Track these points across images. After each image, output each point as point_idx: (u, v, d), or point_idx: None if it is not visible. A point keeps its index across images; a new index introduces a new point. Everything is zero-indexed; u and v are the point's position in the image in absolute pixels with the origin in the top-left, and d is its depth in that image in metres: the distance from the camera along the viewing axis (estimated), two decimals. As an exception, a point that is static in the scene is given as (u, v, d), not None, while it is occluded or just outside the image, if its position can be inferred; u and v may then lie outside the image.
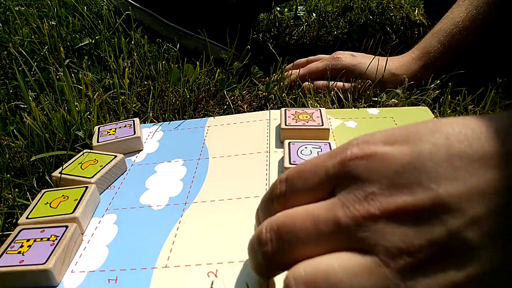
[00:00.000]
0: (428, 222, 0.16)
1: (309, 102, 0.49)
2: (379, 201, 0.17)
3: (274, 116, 0.46)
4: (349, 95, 0.49)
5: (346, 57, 0.53)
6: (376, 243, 0.17)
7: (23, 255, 0.28)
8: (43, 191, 0.35)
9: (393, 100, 0.48)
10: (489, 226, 0.15)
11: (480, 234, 0.15)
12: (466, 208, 0.16)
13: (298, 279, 0.18)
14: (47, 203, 0.34)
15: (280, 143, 0.41)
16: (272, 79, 0.55)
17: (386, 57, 0.52)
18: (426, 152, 0.17)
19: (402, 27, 0.76)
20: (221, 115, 0.50)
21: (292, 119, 0.42)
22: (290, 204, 0.21)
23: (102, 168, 0.38)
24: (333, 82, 0.52)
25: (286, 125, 0.41)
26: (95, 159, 0.39)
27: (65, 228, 0.30)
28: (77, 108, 0.47)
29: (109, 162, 0.39)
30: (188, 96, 0.51)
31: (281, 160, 0.38)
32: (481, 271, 0.15)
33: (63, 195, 0.34)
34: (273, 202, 0.22)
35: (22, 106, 0.53)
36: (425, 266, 0.16)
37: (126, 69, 0.54)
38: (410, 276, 0.16)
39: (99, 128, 0.45)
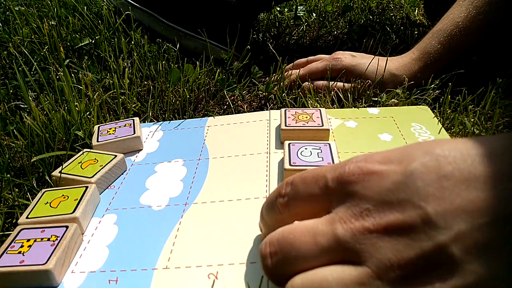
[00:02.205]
0: (417, 237, 0.17)
1: (309, 102, 0.49)
2: (373, 216, 0.19)
3: (274, 116, 0.46)
4: (349, 95, 0.49)
5: (346, 57, 0.53)
6: (370, 256, 0.18)
7: (23, 255, 0.28)
8: (43, 190, 0.35)
9: (393, 100, 0.48)
10: (472, 241, 0.17)
11: (463, 249, 0.17)
12: (451, 225, 0.17)
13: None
14: (47, 202, 0.34)
15: (280, 144, 0.41)
16: (272, 79, 0.55)
17: (386, 57, 0.52)
18: (417, 172, 0.19)
19: (402, 27, 0.76)
20: (221, 115, 0.50)
21: (292, 119, 0.42)
22: (291, 206, 0.23)
23: (102, 168, 0.38)
24: (333, 82, 0.52)
25: (286, 126, 0.41)
26: (95, 159, 0.39)
27: (65, 228, 0.30)
28: (77, 108, 0.47)
29: (109, 162, 0.39)
30: (188, 96, 0.51)
31: (281, 161, 0.38)
32: (464, 283, 0.16)
33: (63, 195, 0.34)
34: (276, 200, 0.24)
35: (22, 106, 0.53)
36: (414, 278, 0.17)
37: (126, 69, 0.54)
38: (400, 287, 0.17)
39: (98, 127, 0.45)
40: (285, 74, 0.56)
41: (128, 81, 0.53)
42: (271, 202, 0.25)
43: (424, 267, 0.17)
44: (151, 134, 0.46)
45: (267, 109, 0.51)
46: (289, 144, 0.38)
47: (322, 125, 0.40)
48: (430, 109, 0.45)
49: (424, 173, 0.18)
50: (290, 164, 0.35)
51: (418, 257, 0.17)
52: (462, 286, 0.16)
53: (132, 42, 0.61)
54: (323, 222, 0.21)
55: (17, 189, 0.38)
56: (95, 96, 0.49)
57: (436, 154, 0.19)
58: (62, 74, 0.50)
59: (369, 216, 0.19)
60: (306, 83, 0.53)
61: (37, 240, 0.29)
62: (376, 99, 0.49)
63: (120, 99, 0.50)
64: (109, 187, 0.38)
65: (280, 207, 0.24)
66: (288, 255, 0.21)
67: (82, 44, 0.63)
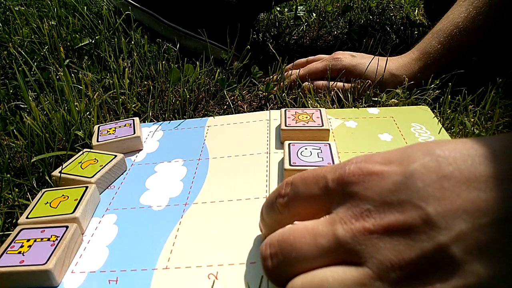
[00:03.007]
0: (418, 238, 0.17)
1: (309, 102, 0.49)
2: (373, 217, 0.19)
3: (274, 117, 0.46)
4: (349, 95, 0.49)
5: (346, 57, 0.53)
6: (370, 256, 0.18)
7: (23, 255, 0.28)
8: (43, 190, 0.35)
9: (393, 100, 0.48)
10: (473, 242, 0.17)
11: (464, 249, 0.17)
12: (452, 225, 0.17)
13: None
14: (47, 202, 0.34)
15: (280, 144, 0.41)
16: (273, 79, 0.55)
17: (385, 57, 0.52)
18: (417, 173, 0.19)
19: (402, 27, 0.76)
20: (221, 115, 0.50)
21: (292, 119, 0.42)
22: (291, 206, 0.23)
23: (102, 168, 0.38)
24: (333, 82, 0.52)
25: (286, 126, 0.41)
26: (95, 159, 0.39)
27: (65, 228, 0.30)
28: (77, 108, 0.47)
29: (109, 162, 0.39)
30: (188, 96, 0.51)
31: (281, 162, 0.38)
32: (465, 283, 0.16)
33: (63, 195, 0.34)
34: (276, 200, 0.24)
35: (22, 106, 0.53)
36: (414, 279, 0.17)
37: (126, 69, 0.54)
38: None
39: (98, 127, 0.45)
40: (285, 74, 0.56)
41: (128, 81, 0.53)
42: (271, 202, 0.25)
43: (424, 268, 0.17)
44: (151, 134, 0.46)
45: (267, 109, 0.51)
46: (289, 144, 0.38)
47: (322, 125, 0.40)
48: (430, 109, 0.45)
49: (424, 173, 0.18)
50: (290, 164, 0.35)
51: (418, 258, 0.17)
52: (463, 287, 0.16)
53: (132, 42, 0.61)
54: (324, 222, 0.21)
55: (17, 189, 0.38)
56: (95, 96, 0.49)
57: (436, 155, 0.19)
58: (62, 74, 0.50)
59: (369, 216, 0.19)
60: (306, 83, 0.53)
61: (37, 240, 0.29)
62: (376, 99, 0.49)
63: (120, 99, 0.50)
64: (109, 187, 0.38)
65: (280, 207, 0.24)
66: (289, 256, 0.21)
67: (82, 44, 0.63)
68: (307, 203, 0.23)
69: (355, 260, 0.19)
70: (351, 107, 0.48)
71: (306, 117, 0.42)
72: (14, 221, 0.36)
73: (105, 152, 0.41)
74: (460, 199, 0.17)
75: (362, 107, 0.47)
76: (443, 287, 0.17)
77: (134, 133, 0.43)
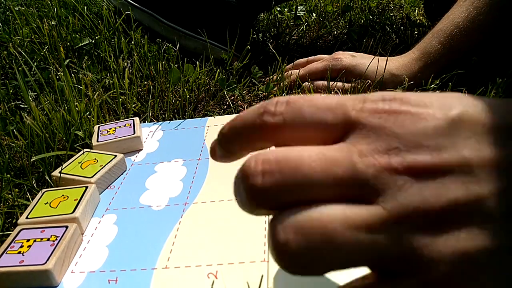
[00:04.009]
0: (451, 183, 0.15)
1: (309, 102, 0.49)
2: (402, 157, 0.16)
3: (274, 116, 0.46)
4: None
5: (346, 57, 0.53)
6: (392, 198, 0.16)
7: (23, 255, 0.28)
8: (43, 190, 0.35)
9: (393, 100, 0.48)
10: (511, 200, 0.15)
11: (500, 206, 0.15)
12: (492, 177, 0.15)
13: (287, 224, 0.16)
14: (47, 203, 0.34)
15: (280, 143, 0.41)
16: (272, 78, 0.55)
17: (386, 57, 0.52)
18: (460, 121, 0.16)
19: (402, 27, 0.76)
20: (221, 115, 0.50)
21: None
22: (286, 129, 0.18)
23: (102, 168, 0.38)
24: (333, 82, 0.52)
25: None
26: (95, 159, 0.39)
27: (65, 228, 0.30)
28: (77, 108, 0.47)
29: (109, 162, 0.39)
30: (188, 96, 0.51)
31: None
32: (493, 245, 0.15)
33: (63, 195, 0.34)
34: (264, 116, 0.18)
35: (22, 106, 0.53)
36: (438, 229, 0.15)
37: (126, 69, 0.54)
38: (421, 236, 0.15)
39: (98, 127, 0.45)
40: (285, 74, 0.56)
41: (128, 81, 0.53)
42: (250, 121, 0.19)
43: (452, 219, 0.15)
44: (151, 134, 0.46)
45: (267, 109, 0.50)
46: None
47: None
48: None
49: (469, 123, 0.16)
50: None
51: (447, 206, 0.15)
52: (490, 248, 0.15)
53: (132, 42, 0.61)
54: (337, 150, 0.17)
55: (17, 189, 0.38)
56: (95, 96, 0.49)
57: (480, 106, 0.17)
58: (62, 74, 0.50)
59: (398, 155, 0.16)
60: (306, 83, 0.53)
61: (37, 240, 0.29)
62: (376, 99, 0.49)
63: (120, 99, 0.50)
64: (109, 187, 0.38)
65: (266, 128, 0.18)
66: (290, 178, 0.16)
67: (82, 44, 0.63)
68: (310, 131, 0.18)
69: (371, 200, 0.16)
70: (351, 107, 0.48)
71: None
72: (14, 221, 0.36)
73: (105, 152, 0.41)
74: (506, 151, 0.15)
75: (362, 107, 0.47)
76: (468, 244, 0.15)
77: (134, 133, 0.43)
